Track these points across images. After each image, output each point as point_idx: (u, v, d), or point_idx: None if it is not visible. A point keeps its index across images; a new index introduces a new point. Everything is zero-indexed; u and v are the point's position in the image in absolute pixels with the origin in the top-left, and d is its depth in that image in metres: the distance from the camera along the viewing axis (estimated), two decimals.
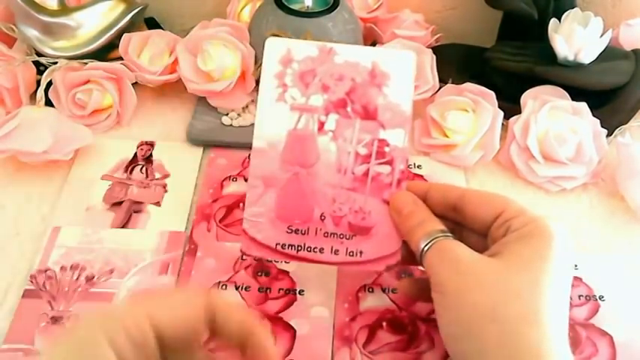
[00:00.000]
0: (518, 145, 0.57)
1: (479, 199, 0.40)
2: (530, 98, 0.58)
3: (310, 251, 0.42)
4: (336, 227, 0.42)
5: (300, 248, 0.42)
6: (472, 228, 0.40)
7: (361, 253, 0.42)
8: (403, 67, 0.41)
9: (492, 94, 0.58)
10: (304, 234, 0.42)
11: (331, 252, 0.42)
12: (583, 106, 0.57)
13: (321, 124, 0.42)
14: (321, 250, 0.42)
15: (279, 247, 0.42)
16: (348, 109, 0.41)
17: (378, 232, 0.42)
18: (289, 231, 0.42)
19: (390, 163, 0.42)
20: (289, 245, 0.42)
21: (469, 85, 0.59)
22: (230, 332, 0.30)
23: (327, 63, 0.41)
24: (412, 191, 0.42)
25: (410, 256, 0.41)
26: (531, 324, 0.33)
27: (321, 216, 0.42)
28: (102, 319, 0.25)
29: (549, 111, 0.57)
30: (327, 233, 0.42)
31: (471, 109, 0.58)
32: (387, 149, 0.42)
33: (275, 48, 0.42)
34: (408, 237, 0.40)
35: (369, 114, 0.41)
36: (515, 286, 0.34)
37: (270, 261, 0.49)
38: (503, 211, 0.38)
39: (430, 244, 0.38)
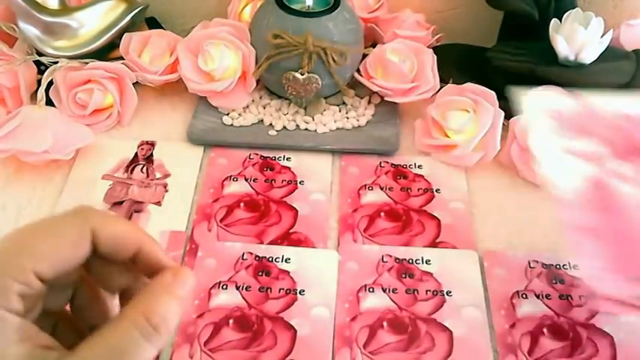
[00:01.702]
0: (519, 145, 0.57)
1: None
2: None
3: None
4: None
5: None
6: None
7: None
8: None
9: (493, 94, 0.58)
10: None
11: None
12: None
13: (615, 172, 0.41)
14: None
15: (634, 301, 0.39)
16: None
17: None
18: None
19: None
20: None
21: (470, 85, 0.59)
22: (117, 252, 0.28)
23: (595, 113, 0.41)
24: None
25: None
26: None
27: None
28: None
29: None
30: None
31: (472, 110, 0.58)
32: None
33: (538, 103, 0.44)
34: None
35: None
36: None
37: (271, 260, 0.49)
38: None
39: None
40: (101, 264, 0.28)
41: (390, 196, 0.55)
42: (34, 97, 0.60)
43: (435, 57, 0.62)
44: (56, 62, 0.60)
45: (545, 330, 0.46)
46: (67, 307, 0.30)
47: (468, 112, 0.58)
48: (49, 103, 0.59)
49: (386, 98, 0.61)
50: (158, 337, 0.25)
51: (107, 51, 0.63)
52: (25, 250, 0.25)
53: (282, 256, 0.49)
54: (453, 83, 0.61)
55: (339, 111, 0.62)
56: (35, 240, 0.26)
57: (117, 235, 0.27)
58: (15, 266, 0.25)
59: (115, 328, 0.25)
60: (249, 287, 0.47)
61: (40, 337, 0.25)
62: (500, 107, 0.58)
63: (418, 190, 0.55)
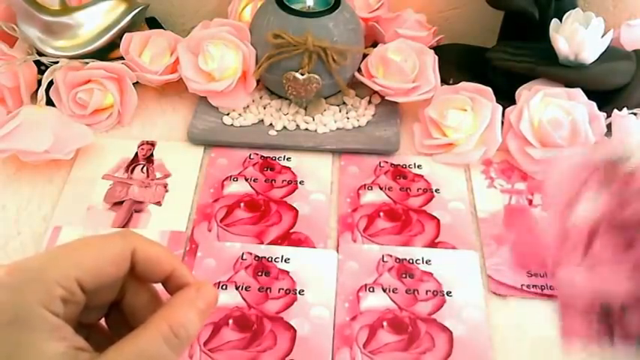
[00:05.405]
0: (515, 133, 0.57)
1: None
2: (525, 89, 0.59)
3: (553, 289, 0.48)
4: None
5: (544, 288, 0.48)
6: None
7: None
8: None
9: (489, 89, 0.58)
10: (543, 277, 0.49)
11: None
12: (577, 92, 0.57)
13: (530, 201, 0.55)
14: None
15: (524, 287, 0.48)
16: None
17: None
18: (530, 275, 0.49)
19: None
20: (533, 286, 0.48)
21: (464, 84, 0.59)
22: (153, 272, 0.30)
23: None
24: None
25: None
26: None
27: None
28: (31, 284, 0.26)
29: (543, 98, 0.57)
30: None
31: (469, 108, 0.58)
32: None
33: None
34: None
35: None
36: None
37: (270, 260, 0.49)
38: None
39: None
40: (134, 286, 0.31)
41: (389, 196, 0.55)
42: (34, 97, 0.60)
43: (437, 58, 0.62)
44: (56, 62, 0.60)
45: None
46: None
47: (465, 111, 0.58)
48: (50, 103, 0.59)
49: (387, 98, 0.61)
50: (179, 344, 0.28)
51: (107, 51, 0.63)
52: (72, 260, 0.28)
53: (282, 256, 0.49)
54: (453, 83, 0.61)
55: (340, 111, 0.62)
56: (82, 253, 0.28)
57: (154, 256, 0.30)
58: (61, 273, 0.27)
59: (142, 335, 0.27)
60: (249, 287, 0.47)
61: (75, 339, 0.27)
62: (501, 106, 0.58)
63: (418, 190, 0.55)
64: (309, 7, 0.60)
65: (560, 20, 0.59)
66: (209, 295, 0.30)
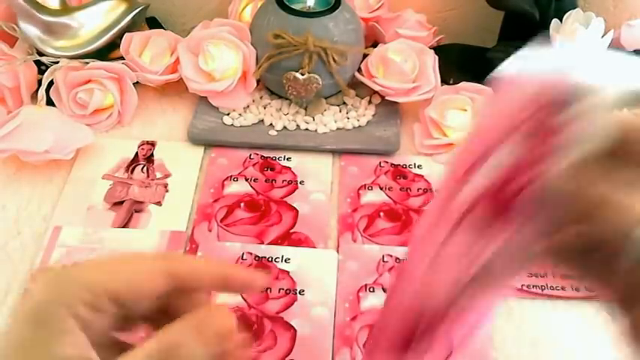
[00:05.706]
0: None
1: None
2: None
3: (553, 289, 0.48)
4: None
5: (544, 288, 0.48)
6: None
7: None
8: None
9: (489, 89, 0.58)
10: (543, 277, 0.49)
11: (572, 289, 0.48)
12: None
13: None
14: (563, 288, 0.48)
15: (524, 287, 0.48)
16: None
17: None
18: (530, 275, 0.49)
19: None
20: (533, 286, 0.48)
21: (464, 84, 0.59)
22: (193, 291, 0.29)
23: None
24: None
25: None
26: None
27: None
28: (60, 288, 0.26)
29: None
30: (564, 274, 0.49)
31: (470, 108, 0.58)
32: None
33: None
34: None
35: None
36: None
37: (271, 260, 0.49)
38: None
39: None
40: (179, 298, 0.30)
41: (389, 196, 0.55)
42: (34, 96, 0.60)
43: (437, 58, 0.62)
44: (57, 62, 0.60)
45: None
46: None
47: (465, 112, 0.58)
48: (50, 102, 0.59)
49: (387, 98, 0.61)
50: None
51: (108, 51, 0.63)
52: (103, 270, 0.28)
53: (282, 256, 0.49)
54: (453, 83, 0.61)
55: (340, 111, 0.62)
56: (117, 266, 0.28)
57: (194, 279, 0.29)
58: (91, 280, 0.27)
59: (137, 354, 0.26)
60: None
61: (87, 350, 0.26)
62: None
63: (418, 190, 0.56)
64: (309, 7, 0.60)
65: (561, 20, 0.59)
66: (219, 321, 0.28)
